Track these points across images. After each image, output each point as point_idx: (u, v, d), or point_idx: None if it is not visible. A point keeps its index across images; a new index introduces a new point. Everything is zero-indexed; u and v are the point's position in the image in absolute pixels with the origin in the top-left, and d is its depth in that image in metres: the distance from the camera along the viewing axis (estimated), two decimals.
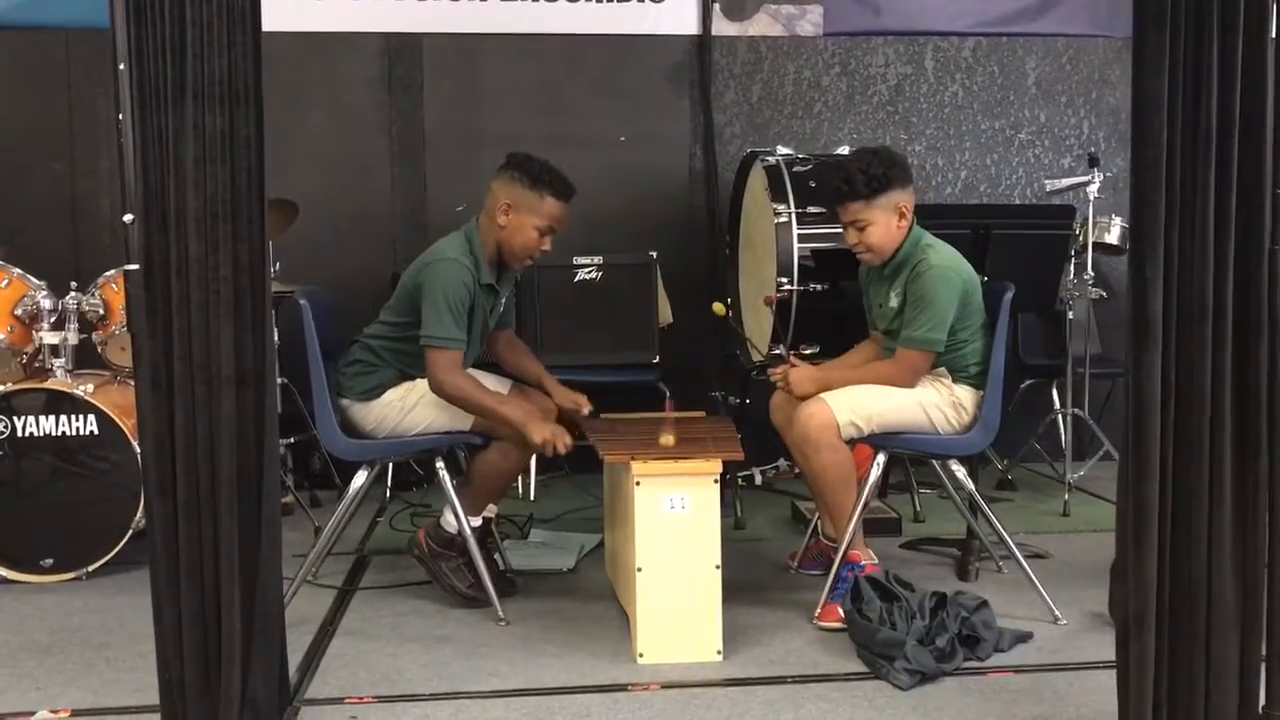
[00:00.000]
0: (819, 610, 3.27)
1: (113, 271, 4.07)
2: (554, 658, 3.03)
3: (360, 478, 3.42)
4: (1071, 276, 4.69)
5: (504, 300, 3.60)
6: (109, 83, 2.32)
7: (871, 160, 3.37)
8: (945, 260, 3.34)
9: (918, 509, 4.49)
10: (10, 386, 3.78)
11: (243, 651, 2.35)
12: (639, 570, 2.98)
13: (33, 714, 2.71)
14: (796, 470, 4.34)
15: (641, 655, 2.99)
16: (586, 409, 3.54)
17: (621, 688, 2.83)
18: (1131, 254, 2.17)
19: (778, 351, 3.90)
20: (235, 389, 2.30)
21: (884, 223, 3.36)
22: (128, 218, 2.30)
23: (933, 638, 2.91)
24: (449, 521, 3.44)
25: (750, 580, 3.67)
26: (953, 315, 3.30)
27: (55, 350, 3.92)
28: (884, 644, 2.89)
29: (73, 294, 3.98)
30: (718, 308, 3.77)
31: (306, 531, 4.23)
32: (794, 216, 3.98)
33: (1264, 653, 2.24)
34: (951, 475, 3.47)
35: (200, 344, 2.29)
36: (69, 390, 3.72)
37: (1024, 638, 3.11)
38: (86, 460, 3.73)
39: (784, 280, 3.95)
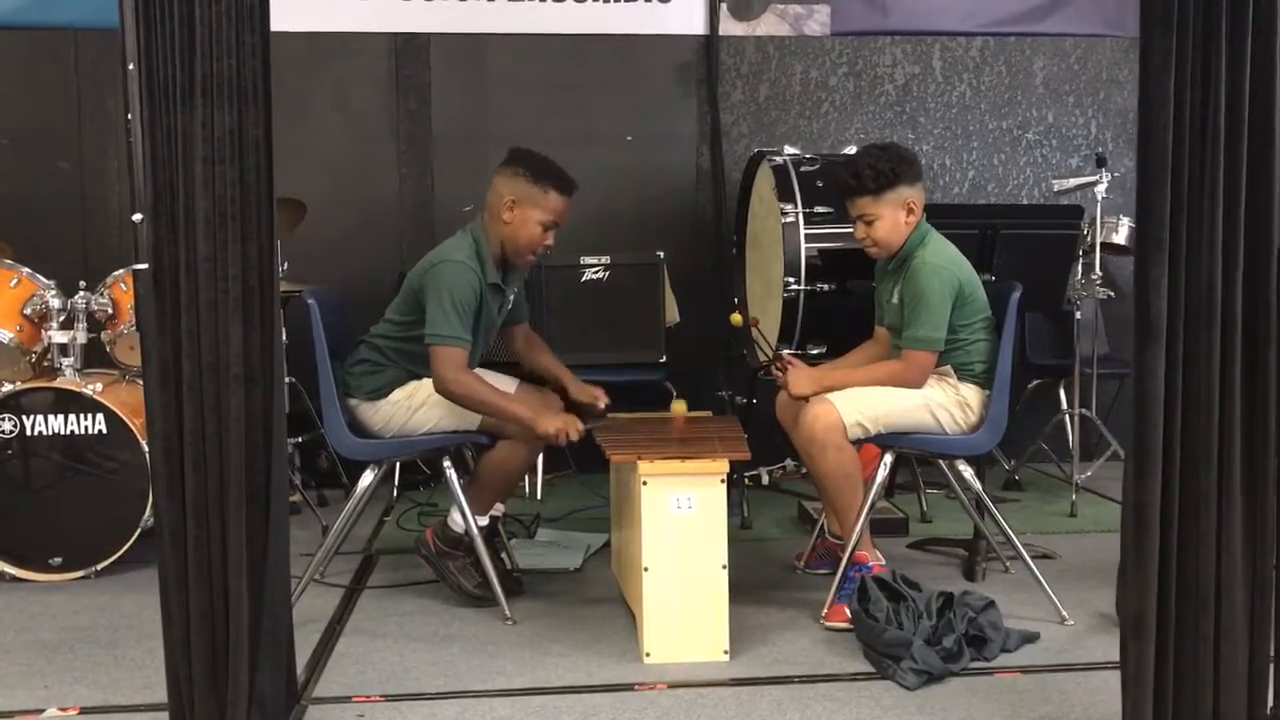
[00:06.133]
0: (826, 610, 3.27)
1: (121, 271, 4.10)
2: (561, 657, 3.04)
3: (367, 477, 3.43)
4: (1079, 276, 4.69)
5: (512, 298, 3.60)
6: (118, 83, 2.33)
7: (880, 156, 3.37)
8: (938, 257, 3.33)
9: (925, 509, 4.48)
10: (19, 385, 3.79)
11: (250, 650, 2.36)
12: (646, 570, 2.98)
13: (41, 711, 2.72)
14: (803, 470, 4.35)
15: (648, 655, 2.99)
16: (604, 402, 3.55)
17: (628, 687, 2.83)
18: (1137, 254, 2.16)
19: (789, 352, 3.90)
20: (243, 388, 2.30)
21: (890, 218, 3.36)
22: (137, 217, 2.30)
23: (939, 638, 2.91)
24: (456, 521, 3.45)
25: (757, 580, 3.67)
26: (949, 311, 3.30)
27: (64, 349, 3.94)
28: (891, 644, 2.89)
29: (82, 293, 3.99)
30: (735, 319, 3.77)
31: (314, 530, 4.24)
32: (801, 216, 3.98)
33: (1273, 653, 2.24)
34: (958, 475, 3.47)
35: (209, 343, 2.29)
36: (78, 389, 3.73)
37: (1031, 638, 3.11)
38: (95, 459, 3.74)
39: (791, 280, 3.95)
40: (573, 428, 3.29)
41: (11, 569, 3.73)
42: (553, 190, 3.40)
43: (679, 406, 3.13)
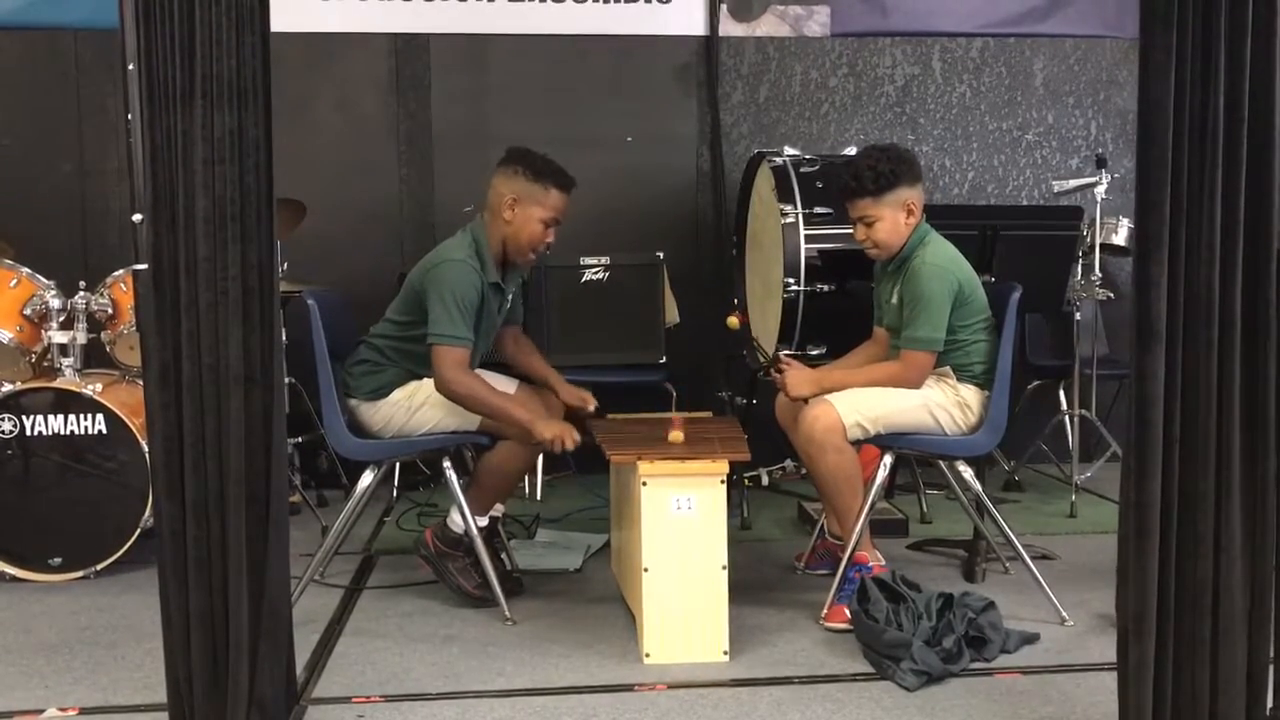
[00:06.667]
0: (826, 611, 3.27)
1: (121, 271, 4.10)
2: (561, 657, 3.04)
3: (367, 477, 3.43)
4: (1079, 277, 4.69)
5: (510, 297, 3.61)
6: (118, 83, 2.33)
7: (880, 157, 3.37)
8: (938, 258, 3.33)
9: (924, 510, 4.48)
10: (19, 386, 3.80)
11: (250, 650, 2.36)
12: (646, 570, 2.98)
13: (41, 712, 2.72)
14: (803, 471, 4.35)
15: (648, 655, 2.99)
16: (592, 405, 3.56)
17: (628, 688, 2.83)
18: (1136, 254, 2.16)
19: (787, 352, 3.90)
20: (243, 388, 2.30)
21: (891, 219, 3.36)
22: (136, 218, 2.30)
23: (939, 639, 2.91)
24: (455, 521, 3.45)
25: (757, 581, 3.67)
26: (948, 311, 3.30)
27: (64, 349, 3.94)
28: (890, 645, 2.89)
29: (81, 293, 4.00)
30: (732, 322, 3.77)
31: (314, 531, 4.24)
32: (801, 217, 3.99)
33: (1272, 654, 2.24)
34: (958, 476, 3.47)
35: (208, 343, 2.29)
36: (78, 389, 3.73)
37: (1031, 639, 3.11)
38: (95, 459, 3.74)
39: (791, 280, 3.95)
40: (569, 436, 3.28)
41: (11, 569, 3.73)
42: (553, 187, 3.42)
43: (676, 436, 3.13)
